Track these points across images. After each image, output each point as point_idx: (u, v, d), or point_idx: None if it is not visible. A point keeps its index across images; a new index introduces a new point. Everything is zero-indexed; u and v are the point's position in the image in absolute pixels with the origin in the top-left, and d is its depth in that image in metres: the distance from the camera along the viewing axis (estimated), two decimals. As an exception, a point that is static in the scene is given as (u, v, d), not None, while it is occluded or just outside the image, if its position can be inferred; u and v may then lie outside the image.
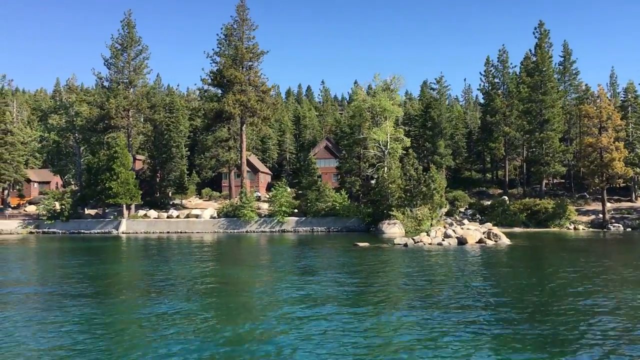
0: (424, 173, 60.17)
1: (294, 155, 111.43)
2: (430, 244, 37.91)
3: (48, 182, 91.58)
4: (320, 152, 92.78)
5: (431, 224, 57.94)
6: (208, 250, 43.62)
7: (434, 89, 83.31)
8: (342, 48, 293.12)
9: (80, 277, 26.29)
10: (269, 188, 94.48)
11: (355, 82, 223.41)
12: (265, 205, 70.64)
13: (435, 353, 12.53)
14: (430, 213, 58.03)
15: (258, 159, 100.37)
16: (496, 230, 40.86)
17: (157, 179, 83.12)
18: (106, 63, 70.70)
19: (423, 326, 14.92)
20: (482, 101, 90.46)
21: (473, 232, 39.14)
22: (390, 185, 60.83)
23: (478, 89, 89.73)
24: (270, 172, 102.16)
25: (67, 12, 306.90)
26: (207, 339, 14.17)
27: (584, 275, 24.53)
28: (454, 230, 39.57)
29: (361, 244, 38.89)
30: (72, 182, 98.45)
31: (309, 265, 29.35)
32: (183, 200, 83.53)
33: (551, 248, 39.38)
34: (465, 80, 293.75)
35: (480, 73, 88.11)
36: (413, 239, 38.66)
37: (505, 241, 37.86)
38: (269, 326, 15.36)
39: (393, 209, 58.89)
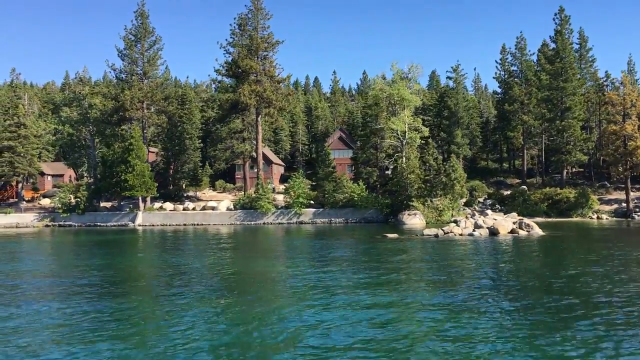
0: (444, 163, 59.30)
1: (306, 147, 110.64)
2: (460, 234, 37.15)
3: (61, 175, 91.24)
4: (335, 143, 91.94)
5: (452, 215, 57.24)
6: (230, 243, 43.06)
7: (450, 78, 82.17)
8: (349, 38, 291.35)
9: (107, 271, 25.79)
10: (282, 180, 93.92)
11: (364, 73, 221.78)
12: (279, 197, 70.07)
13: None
14: (451, 203, 57.23)
15: (271, 150, 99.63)
16: (527, 220, 40.05)
17: (170, 171, 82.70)
18: (120, 54, 69.99)
19: (487, 323, 14.19)
20: (497, 90, 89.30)
21: (505, 222, 38.34)
22: (409, 175, 60.06)
23: (494, 78, 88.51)
24: (283, 164, 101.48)
25: (73, 4, 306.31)
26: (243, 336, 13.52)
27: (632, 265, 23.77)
28: (484, 221, 38.71)
29: (390, 235, 38.18)
30: (86, 175, 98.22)
31: (343, 257, 28.62)
32: (197, 193, 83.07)
33: (586, 238, 38.58)
34: (475, 69, 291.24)
35: (495, 61, 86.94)
36: (442, 229, 37.89)
37: (538, 231, 37.03)
38: (323, 326, 14.67)
39: (413, 199, 58.13)
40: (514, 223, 38.57)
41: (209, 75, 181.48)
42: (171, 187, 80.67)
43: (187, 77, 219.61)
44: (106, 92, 71.01)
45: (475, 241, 34.03)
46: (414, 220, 56.14)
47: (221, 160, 78.75)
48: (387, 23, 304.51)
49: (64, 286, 21.42)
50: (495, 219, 41.41)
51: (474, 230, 37.31)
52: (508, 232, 37.17)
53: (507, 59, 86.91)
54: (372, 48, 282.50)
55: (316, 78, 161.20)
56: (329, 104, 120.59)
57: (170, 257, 30.98)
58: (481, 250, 29.92)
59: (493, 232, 36.93)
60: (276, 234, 51.00)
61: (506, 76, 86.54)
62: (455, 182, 57.22)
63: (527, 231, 37.15)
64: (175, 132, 79.89)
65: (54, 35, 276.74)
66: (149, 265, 28.57)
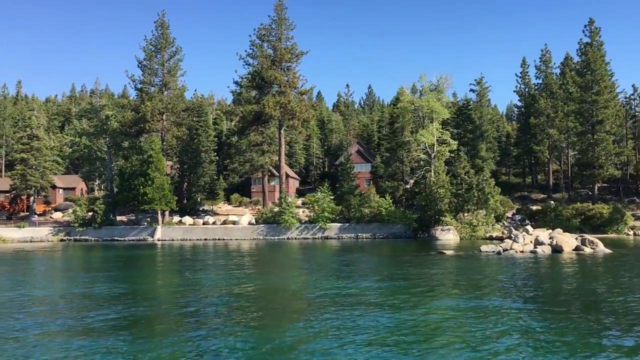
0: (477, 176, 57.61)
1: (320, 160, 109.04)
2: (522, 251, 35.35)
3: (73, 189, 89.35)
4: (352, 157, 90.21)
5: (485, 230, 55.49)
6: (262, 259, 41.17)
7: (473, 90, 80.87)
8: (355, 51, 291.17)
9: (143, 293, 23.91)
10: (297, 193, 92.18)
11: (369, 87, 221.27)
12: (299, 211, 68.28)
13: None
14: (485, 218, 55.45)
15: (285, 163, 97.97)
16: (590, 236, 38.24)
17: (185, 185, 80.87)
18: (140, 65, 68.52)
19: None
20: (517, 103, 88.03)
21: (568, 238, 36.50)
22: (438, 189, 58.37)
23: (514, 91, 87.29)
24: (298, 178, 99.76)
25: (73, 17, 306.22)
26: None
27: None
28: (551, 237, 36.87)
29: (447, 252, 36.41)
30: (97, 188, 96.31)
31: (409, 278, 26.60)
32: (212, 207, 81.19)
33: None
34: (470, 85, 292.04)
35: (516, 75, 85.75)
36: (501, 246, 36.08)
37: (603, 249, 35.21)
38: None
39: (445, 214, 56.36)
40: (576, 239, 36.76)
41: (228, 87, 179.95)
42: (185, 200, 78.77)
43: (196, 90, 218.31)
44: (125, 103, 69.32)
45: (543, 259, 32.23)
46: (448, 235, 54.33)
47: (242, 173, 76.92)
48: (390, 37, 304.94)
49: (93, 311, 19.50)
50: (553, 237, 39.40)
51: (535, 247, 35.51)
52: (572, 250, 35.38)
53: (527, 72, 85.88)
54: (377, 62, 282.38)
55: (319, 92, 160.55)
56: (342, 117, 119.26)
57: (204, 275, 29.25)
58: (563, 269, 28.02)
59: (556, 249, 35.12)
60: (307, 249, 49.06)
61: (527, 89, 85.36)
62: (489, 196, 55.46)
63: (592, 248, 35.37)
64: (192, 145, 78.28)
65: (51, 48, 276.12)
66: (185, 286, 26.42)
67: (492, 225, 56.45)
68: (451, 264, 31.01)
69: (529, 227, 48.15)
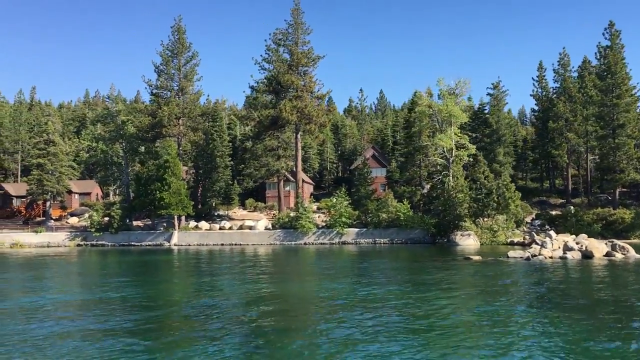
0: (497, 181, 56.98)
1: (334, 165, 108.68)
2: (551, 257, 34.68)
3: (89, 194, 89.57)
4: (368, 161, 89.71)
5: (506, 236, 54.83)
6: (283, 264, 40.74)
7: (490, 94, 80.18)
8: (368, 56, 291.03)
9: (165, 300, 23.59)
10: (314, 199, 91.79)
11: (381, 92, 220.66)
12: (314, 216, 67.90)
13: None
14: (506, 224, 54.78)
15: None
16: (621, 242, 37.49)
17: (199, 190, 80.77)
18: (156, 69, 68.58)
19: None
20: (535, 107, 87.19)
21: (598, 244, 35.82)
22: (457, 194, 57.79)
23: (531, 95, 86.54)
24: (312, 182, 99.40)
25: (81, 24, 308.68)
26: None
27: None
28: (577, 243, 36.21)
29: (474, 258, 35.83)
30: (112, 193, 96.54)
31: (442, 284, 25.99)
32: (227, 212, 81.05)
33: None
34: (487, 89, 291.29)
35: (532, 78, 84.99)
36: (529, 252, 35.44)
37: (634, 255, 34.46)
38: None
39: (465, 219, 55.76)
40: (606, 245, 36.05)
41: (243, 92, 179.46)
42: (200, 205, 78.63)
43: (209, 95, 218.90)
44: (142, 108, 69.37)
45: (574, 265, 31.54)
46: (468, 241, 53.71)
47: (256, 178, 76.78)
48: (400, 41, 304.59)
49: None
50: (580, 242, 38.64)
51: (564, 253, 34.82)
52: (603, 255, 34.67)
53: (543, 76, 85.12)
54: (388, 66, 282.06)
55: (330, 97, 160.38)
56: (356, 122, 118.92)
57: (224, 281, 28.91)
58: (597, 276, 27.24)
59: (586, 254, 34.41)
60: (327, 254, 48.62)
61: (544, 93, 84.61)
62: (509, 201, 54.79)
63: (622, 254, 34.63)
64: (207, 150, 78.26)
65: (63, 55, 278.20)
66: (206, 291, 26.00)
67: (513, 230, 55.74)
68: (481, 270, 30.39)
69: (552, 233, 47.40)
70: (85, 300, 23.24)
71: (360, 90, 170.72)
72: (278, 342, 14.83)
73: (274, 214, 79.65)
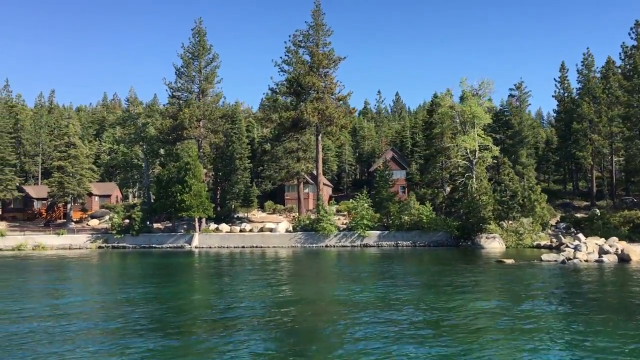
0: (522, 183, 56.11)
1: (352, 167, 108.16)
2: (586, 260, 33.90)
3: (109, 196, 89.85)
4: (386, 163, 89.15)
5: (532, 239, 53.90)
6: (309, 267, 40.36)
7: (513, 96, 79.23)
8: (384, 58, 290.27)
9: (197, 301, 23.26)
10: (330, 200, 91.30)
11: (397, 94, 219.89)
12: (334, 218, 67.31)
13: None
14: (532, 226, 53.86)
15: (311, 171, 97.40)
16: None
17: (218, 192, 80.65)
18: (177, 72, 68.61)
19: None
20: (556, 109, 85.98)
21: (635, 247, 35.01)
22: (481, 196, 56.99)
23: (553, 96, 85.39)
24: (331, 185, 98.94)
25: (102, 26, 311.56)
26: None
27: None
28: (610, 246, 35.43)
29: (507, 261, 35.15)
30: (132, 195, 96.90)
31: (480, 289, 25.34)
32: (247, 214, 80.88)
33: None
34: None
35: (554, 79, 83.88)
36: (563, 255, 34.68)
37: (672, 258, 33.66)
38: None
39: (490, 222, 54.93)
40: (641, 247, 35.27)
41: (263, 94, 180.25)
42: (219, 208, 78.51)
43: (225, 98, 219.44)
44: (163, 110, 69.45)
45: (612, 269, 30.77)
46: (493, 244, 52.89)
47: (276, 180, 76.51)
48: (413, 44, 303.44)
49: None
50: (597, 244, 37.96)
51: (600, 256, 34.02)
52: (640, 259, 33.85)
53: (566, 76, 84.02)
54: (404, 69, 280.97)
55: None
56: (374, 124, 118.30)
57: (250, 283, 28.81)
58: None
59: (623, 258, 33.61)
60: (351, 257, 48.18)
61: (566, 94, 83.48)
62: (535, 203, 53.88)
63: (660, 257, 33.83)
64: (226, 152, 78.16)
65: (80, 58, 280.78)
66: (232, 293, 25.77)
67: (539, 233, 54.79)
68: (518, 274, 29.68)
69: (580, 236, 46.44)
70: (114, 302, 23.10)
71: (378, 92, 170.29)
72: (303, 344, 14.81)
73: (293, 216, 79.31)
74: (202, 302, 23.22)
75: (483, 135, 59.77)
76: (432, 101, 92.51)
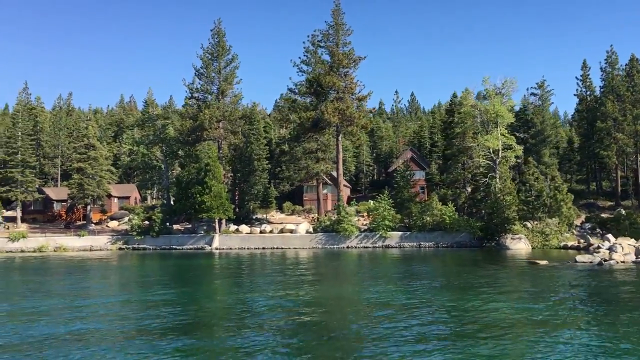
0: (548, 183, 55.15)
1: (370, 168, 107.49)
2: (623, 262, 33.10)
3: (127, 197, 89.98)
4: (405, 164, 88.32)
5: (559, 239, 52.95)
6: (330, 268, 39.86)
7: (534, 94, 78.18)
8: (396, 60, 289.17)
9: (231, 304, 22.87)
10: (348, 201, 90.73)
11: (412, 94, 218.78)
12: (354, 219, 66.72)
13: None
14: (558, 227, 52.90)
15: (335, 171, 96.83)
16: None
17: (236, 193, 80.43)
18: (197, 73, 68.51)
19: None
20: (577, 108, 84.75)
21: None
22: (505, 197, 56.11)
23: (575, 95, 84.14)
24: (349, 185, 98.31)
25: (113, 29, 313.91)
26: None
27: None
28: None
29: (541, 262, 34.44)
30: (150, 196, 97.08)
31: (523, 292, 24.45)
32: (265, 215, 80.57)
33: None
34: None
35: (576, 77, 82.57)
36: (598, 256, 33.88)
37: None
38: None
39: (515, 222, 54.05)
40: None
41: (282, 95, 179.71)
42: (238, 209, 78.29)
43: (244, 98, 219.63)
44: (183, 111, 69.35)
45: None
46: (519, 244, 52.05)
47: (296, 180, 76.13)
48: (423, 45, 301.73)
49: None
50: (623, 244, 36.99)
51: (637, 257, 33.18)
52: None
53: (588, 75, 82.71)
54: (420, 68, 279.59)
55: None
56: (392, 124, 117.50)
57: (275, 285, 28.36)
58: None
59: (663, 258, 32.82)
60: (374, 258, 47.66)
61: (589, 93, 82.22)
62: (561, 203, 52.91)
63: (700, 258, 32.91)
64: (245, 153, 77.95)
65: (96, 61, 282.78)
66: (260, 295, 25.42)
67: (565, 234, 53.81)
68: (556, 276, 28.96)
69: (609, 236, 45.47)
70: (147, 303, 22.87)
71: (396, 92, 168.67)
72: (330, 344, 14.73)
73: (313, 217, 78.86)
74: (233, 303, 22.94)
75: (507, 135, 58.88)
76: (451, 101, 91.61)
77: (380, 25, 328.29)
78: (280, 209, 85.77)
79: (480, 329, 16.00)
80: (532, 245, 52.42)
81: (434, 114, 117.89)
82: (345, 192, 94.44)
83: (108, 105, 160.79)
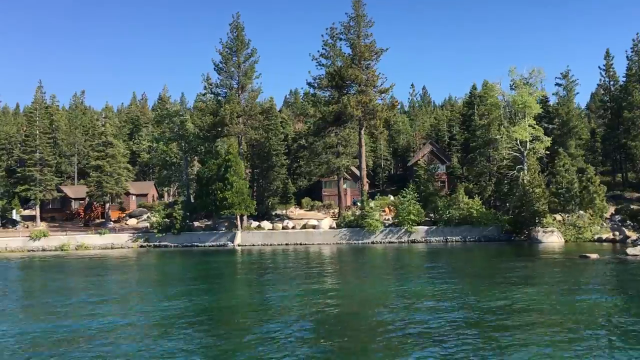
0: (580, 175, 53.86)
1: (387, 162, 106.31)
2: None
3: (145, 195, 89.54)
4: (426, 157, 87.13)
5: (592, 232, 51.69)
6: (359, 264, 38.91)
7: (559, 85, 76.66)
8: (406, 54, 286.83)
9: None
10: (370, 196, 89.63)
11: (424, 88, 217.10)
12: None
13: None
14: (592, 219, 51.64)
15: (356, 165, 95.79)
16: None
17: (254, 189, 79.64)
18: (216, 68, 67.57)
19: None
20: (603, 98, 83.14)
21: None
22: (535, 189, 54.84)
23: (598, 85, 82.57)
24: (368, 180, 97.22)
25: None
26: None
27: None
28: None
29: (592, 256, 33.34)
30: (167, 194, 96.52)
31: (589, 288, 23.31)
32: (284, 211, 79.76)
33: None
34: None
35: (599, 67, 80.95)
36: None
37: None
38: None
39: (546, 215, 52.83)
40: None
41: (302, 89, 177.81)
42: (257, 205, 77.46)
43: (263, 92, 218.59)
44: (203, 106, 68.51)
45: None
46: (552, 238, 50.81)
47: (317, 175, 75.23)
48: (432, 40, 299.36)
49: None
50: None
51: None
52: None
53: (611, 64, 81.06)
54: (427, 63, 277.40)
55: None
56: (409, 118, 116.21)
57: (307, 283, 27.55)
58: None
59: None
60: (402, 253, 46.63)
61: (612, 82, 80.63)
62: (594, 195, 51.62)
63: None
64: (264, 149, 77.07)
65: (108, 60, 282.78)
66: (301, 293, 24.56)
67: (598, 226, 52.53)
68: (617, 270, 27.74)
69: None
70: (185, 305, 22.00)
71: (412, 85, 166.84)
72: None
73: (333, 213, 77.99)
74: (269, 300, 22.28)
75: (535, 126, 57.60)
76: (470, 93, 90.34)
77: (385, 17, 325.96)
78: (299, 204, 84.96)
79: (578, 328, 14.96)
80: (564, 239, 51.20)
81: (453, 106, 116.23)
82: (365, 186, 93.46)
83: (122, 103, 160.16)
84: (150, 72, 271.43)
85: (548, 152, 59.02)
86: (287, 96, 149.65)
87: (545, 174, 56.32)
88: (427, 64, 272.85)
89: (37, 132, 78.71)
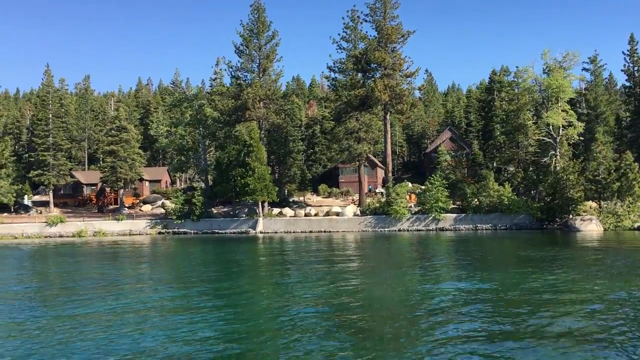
0: (618, 161, 52.34)
1: (402, 149, 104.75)
2: None
3: (158, 181, 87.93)
4: (445, 144, 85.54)
5: (632, 220, 50.30)
6: (390, 253, 37.45)
7: (587, 69, 74.90)
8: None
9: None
10: (384, 183, 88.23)
11: (429, 73, 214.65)
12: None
13: None
14: (631, 207, 50.22)
15: (371, 152, 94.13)
16: None
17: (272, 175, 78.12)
18: (236, 50, 65.64)
19: None
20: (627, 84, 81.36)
21: None
22: (569, 176, 53.28)
23: (622, 70, 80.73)
24: (383, 167, 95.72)
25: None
26: None
27: None
28: None
29: None
30: (178, 180, 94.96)
31: None
32: (302, 198, 78.30)
33: None
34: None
35: (623, 52, 79.07)
36: None
37: None
38: None
39: (581, 203, 51.38)
40: None
41: (322, 73, 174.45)
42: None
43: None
44: (224, 90, 66.59)
45: None
46: (590, 226, 49.38)
47: (338, 161, 73.68)
48: (440, 24, 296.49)
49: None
50: None
51: None
52: None
53: (635, 49, 79.24)
54: (435, 50, 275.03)
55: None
56: (424, 104, 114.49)
57: (340, 272, 26.01)
58: None
59: None
60: (433, 242, 45.07)
61: (637, 68, 78.87)
62: (633, 182, 50.14)
63: None
64: (282, 134, 75.38)
65: (112, 44, 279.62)
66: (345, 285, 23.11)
67: (638, 214, 51.12)
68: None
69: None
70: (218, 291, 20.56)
71: (426, 70, 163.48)
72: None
73: (352, 199, 76.55)
74: (307, 290, 21.00)
75: (569, 110, 55.97)
76: (490, 79, 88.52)
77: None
78: (315, 191, 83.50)
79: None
80: (604, 227, 49.78)
81: (470, 92, 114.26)
82: (380, 173, 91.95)
83: (131, 88, 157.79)
84: (150, 58, 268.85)
85: (582, 139, 57.40)
86: (290, 82, 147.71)
87: (580, 160, 54.69)
88: (430, 49, 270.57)
89: (50, 116, 76.87)
